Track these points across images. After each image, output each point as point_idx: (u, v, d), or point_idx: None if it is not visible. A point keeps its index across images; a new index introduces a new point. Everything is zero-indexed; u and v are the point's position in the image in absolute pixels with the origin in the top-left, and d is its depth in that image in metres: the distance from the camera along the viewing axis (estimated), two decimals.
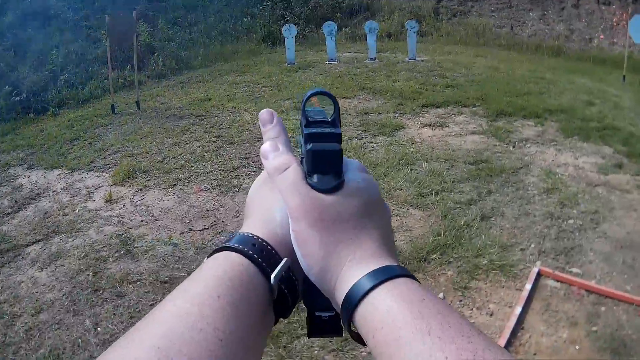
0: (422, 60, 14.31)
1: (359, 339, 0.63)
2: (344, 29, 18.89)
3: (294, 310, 0.69)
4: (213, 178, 7.15)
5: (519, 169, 7.26)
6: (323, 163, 0.68)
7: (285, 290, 0.65)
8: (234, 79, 13.01)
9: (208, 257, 0.66)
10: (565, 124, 9.01)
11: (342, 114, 9.44)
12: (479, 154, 7.68)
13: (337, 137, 0.70)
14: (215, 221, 6.01)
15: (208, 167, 7.55)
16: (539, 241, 5.52)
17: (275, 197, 0.71)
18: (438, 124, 8.99)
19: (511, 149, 8.00)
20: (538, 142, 8.27)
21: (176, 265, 5.18)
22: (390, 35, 18.68)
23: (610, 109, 10.29)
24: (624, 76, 13.11)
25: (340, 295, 0.64)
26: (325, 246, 0.65)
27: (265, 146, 0.75)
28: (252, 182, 0.81)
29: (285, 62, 14.32)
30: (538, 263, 5.12)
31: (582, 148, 8.04)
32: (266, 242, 0.67)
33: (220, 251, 0.66)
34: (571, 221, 5.92)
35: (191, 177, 7.23)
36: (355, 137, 8.45)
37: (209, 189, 6.85)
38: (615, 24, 18.01)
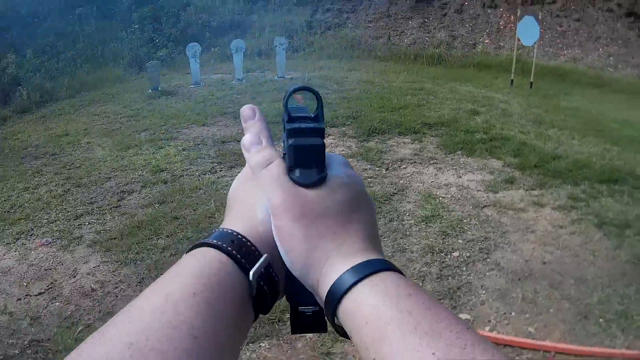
0: (292, 78, 14.00)
1: (343, 333, 0.65)
2: (213, 48, 18.63)
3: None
4: (55, 229, 6.66)
5: (393, 195, 6.77)
6: (305, 158, 0.71)
7: (264, 287, 0.67)
8: (94, 110, 12.58)
9: (187, 252, 0.68)
10: (447, 138, 8.70)
11: (199, 144, 9.03)
12: None
13: (320, 132, 0.72)
14: (52, 283, 5.54)
15: (52, 215, 7.06)
16: (417, 283, 4.86)
17: (257, 193, 0.73)
18: None
19: (384, 172, 7.53)
20: (415, 162, 7.86)
21: (10, 341, 4.73)
22: (261, 53, 18.39)
23: (497, 117, 10.11)
24: (512, 80, 13.24)
25: (323, 290, 0.66)
26: (308, 241, 0.67)
27: (247, 138, 0.76)
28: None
29: (149, 89, 13.80)
30: None
31: (466, 164, 7.69)
32: (246, 238, 0.69)
33: (198, 247, 0.67)
34: (456, 254, 5.43)
35: (34, 229, 6.74)
36: (209, 171, 7.90)
37: (50, 242, 6.35)
38: (502, 27, 18.27)
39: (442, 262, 5.28)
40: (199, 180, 7.52)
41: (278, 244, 0.69)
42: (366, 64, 16.30)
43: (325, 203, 0.69)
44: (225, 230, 0.70)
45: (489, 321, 4.50)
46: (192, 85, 14.04)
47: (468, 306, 4.70)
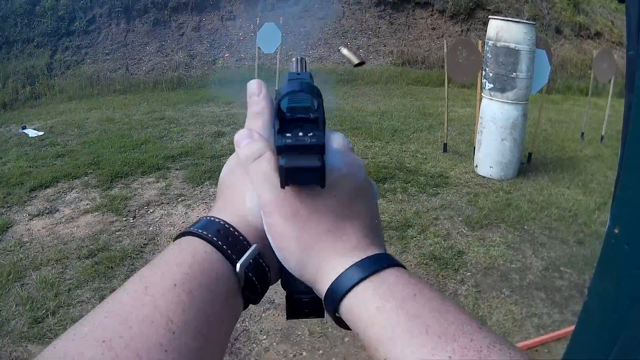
0: (35, 128, 12.71)
1: (343, 325, 0.65)
2: None
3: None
4: None
5: (144, 247, 6.10)
6: (298, 181, 0.64)
7: (252, 278, 0.66)
8: None
9: (173, 240, 0.67)
10: (193, 169, 8.28)
11: None
12: (95, 241, 6.33)
13: (319, 149, 0.63)
14: None
15: None
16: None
17: (247, 181, 0.71)
18: (47, 211, 7.44)
19: (131, 221, 6.80)
20: (163, 203, 7.26)
21: None
22: (6, 105, 17.01)
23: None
24: None
25: (322, 287, 0.65)
26: (302, 241, 0.65)
27: (240, 133, 0.74)
28: None
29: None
30: None
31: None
32: (233, 227, 0.67)
33: (184, 235, 0.67)
34: None
35: None
36: None
37: None
38: (242, 38, 18.24)
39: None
40: None
41: (270, 240, 0.67)
42: (106, 99, 15.48)
43: (321, 200, 0.66)
44: (211, 218, 0.68)
45: None
46: None
47: (251, 357, 4.29)
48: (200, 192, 7.44)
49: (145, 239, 6.25)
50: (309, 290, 0.69)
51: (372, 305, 0.59)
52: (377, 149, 9.57)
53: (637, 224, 1.58)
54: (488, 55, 8.45)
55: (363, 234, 0.67)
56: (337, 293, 0.62)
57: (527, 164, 8.96)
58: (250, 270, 0.64)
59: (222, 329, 0.62)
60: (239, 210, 0.69)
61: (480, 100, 8.82)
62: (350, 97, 14.35)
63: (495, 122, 8.39)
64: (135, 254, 5.88)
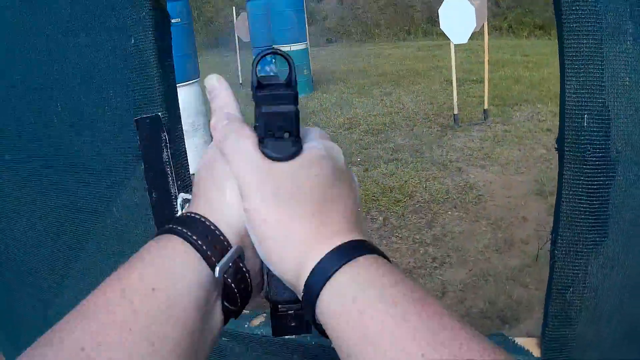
0: None
1: (325, 332, 0.56)
2: None
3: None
4: None
5: None
6: (278, 127, 0.61)
7: (232, 284, 0.58)
8: None
9: (152, 238, 0.60)
10: None
11: None
12: None
13: (293, 98, 0.63)
14: None
15: None
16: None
17: (226, 172, 0.62)
18: None
19: None
20: None
21: None
22: None
23: None
24: None
25: (302, 282, 0.56)
26: (283, 225, 0.57)
27: (217, 116, 0.66)
28: None
29: None
30: None
31: None
32: (214, 225, 0.60)
33: (164, 233, 0.59)
34: None
35: None
36: None
37: None
38: None
39: None
40: None
41: (250, 231, 0.60)
42: None
43: (301, 179, 0.59)
44: (191, 215, 0.61)
45: None
46: None
47: None
48: None
49: None
50: (294, 300, 0.63)
51: (348, 296, 0.52)
52: None
53: None
54: None
55: (345, 217, 0.60)
56: (314, 288, 0.55)
57: None
58: (229, 275, 0.57)
59: (203, 343, 0.57)
60: (218, 205, 0.61)
61: None
62: None
63: None
64: None
